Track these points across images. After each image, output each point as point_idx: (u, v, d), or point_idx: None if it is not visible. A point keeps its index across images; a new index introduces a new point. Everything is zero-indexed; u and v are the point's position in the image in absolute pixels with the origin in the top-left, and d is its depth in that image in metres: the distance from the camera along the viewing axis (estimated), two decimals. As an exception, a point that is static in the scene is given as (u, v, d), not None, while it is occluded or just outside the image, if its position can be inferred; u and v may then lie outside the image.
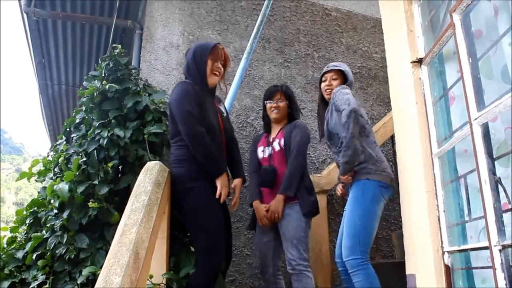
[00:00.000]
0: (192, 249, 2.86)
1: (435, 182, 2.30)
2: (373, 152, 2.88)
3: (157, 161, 2.68)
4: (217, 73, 2.96)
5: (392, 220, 4.57)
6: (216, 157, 2.72)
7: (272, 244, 3.23)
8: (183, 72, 3.15)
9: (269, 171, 3.22)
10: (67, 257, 3.00)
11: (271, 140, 3.40)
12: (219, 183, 2.69)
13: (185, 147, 2.77)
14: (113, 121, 3.42)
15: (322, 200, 3.78)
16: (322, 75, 3.26)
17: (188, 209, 2.73)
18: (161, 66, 4.36)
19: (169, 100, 2.92)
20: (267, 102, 3.45)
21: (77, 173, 3.18)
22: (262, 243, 3.25)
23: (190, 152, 2.74)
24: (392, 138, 3.21)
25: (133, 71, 3.84)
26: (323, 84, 3.23)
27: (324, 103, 3.28)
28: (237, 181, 3.01)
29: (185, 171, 2.75)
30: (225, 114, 3.11)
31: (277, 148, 3.31)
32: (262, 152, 3.39)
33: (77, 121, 3.68)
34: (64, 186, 3.11)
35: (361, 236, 2.68)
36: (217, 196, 2.67)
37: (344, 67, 3.21)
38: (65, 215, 3.08)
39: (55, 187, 3.15)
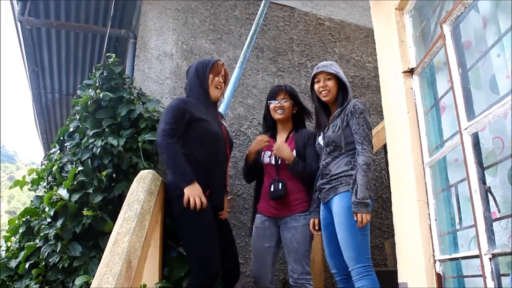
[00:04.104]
0: (185, 254, 2.88)
1: (426, 191, 2.32)
2: None
3: (150, 170, 2.69)
4: (219, 87, 3.04)
5: (385, 228, 4.59)
6: (183, 167, 2.67)
7: (272, 251, 3.17)
8: (184, 88, 3.17)
9: (280, 189, 3.12)
10: (60, 266, 2.99)
11: None
12: (187, 192, 2.62)
13: None
14: (107, 129, 3.43)
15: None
16: (314, 77, 3.09)
17: (176, 217, 2.74)
18: (154, 75, 4.37)
19: None
20: (271, 102, 3.34)
21: (72, 182, 3.18)
22: (263, 248, 3.17)
23: None
24: (385, 147, 3.21)
25: (127, 80, 3.85)
26: (316, 86, 3.05)
27: (321, 104, 3.12)
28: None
29: (172, 180, 2.75)
30: (227, 128, 3.20)
31: None
32: (269, 157, 3.26)
33: (71, 129, 3.69)
34: (63, 192, 3.11)
35: (363, 244, 2.67)
36: (185, 204, 2.61)
37: (335, 69, 3.05)
38: (58, 223, 3.08)
39: (55, 193, 3.15)
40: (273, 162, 3.24)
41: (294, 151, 3.20)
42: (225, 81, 3.14)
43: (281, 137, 3.35)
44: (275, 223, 3.19)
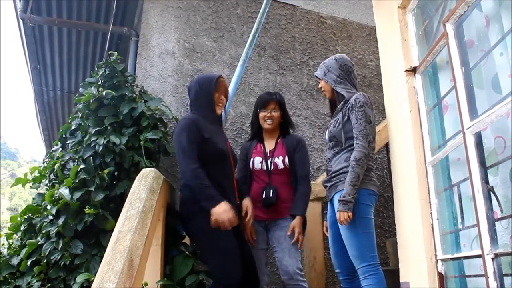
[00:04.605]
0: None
1: (428, 190, 2.32)
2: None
3: (152, 168, 2.69)
4: (221, 104, 3.04)
5: (386, 227, 4.58)
6: (210, 191, 2.64)
7: (266, 254, 3.23)
8: (188, 104, 3.14)
9: (273, 195, 3.13)
10: (62, 263, 3.00)
11: (268, 152, 3.29)
12: (214, 214, 2.59)
13: None
14: (109, 127, 3.43)
15: (316, 207, 3.78)
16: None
17: (195, 231, 2.77)
18: (156, 73, 4.37)
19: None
20: (260, 110, 3.34)
21: (74, 180, 3.18)
22: (260, 251, 3.18)
23: None
24: (387, 145, 3.22)
25: (129, 78, 3.85)
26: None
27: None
28: (247, 201, 3.05)
29: (192, 194, 2.73)
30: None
31: (280, 166, 3.22)
32: (260, 163, 3.26)
33: (73, 127, 3.68)
34: (65, 191, 3.11)
35: (367, 243, 2.64)
36: (213, 225, 2.58)
37: (324, 69, 3.10)
38: (60, 221, 3.08)
39: (56, 191, 3.15)
40: (264, 168, 3.25)
41: (286, 156, 3.22)
42: (226, 97, 3.15)
43: (269, 143, 3.35)
44: (264, 226, 3.22)
